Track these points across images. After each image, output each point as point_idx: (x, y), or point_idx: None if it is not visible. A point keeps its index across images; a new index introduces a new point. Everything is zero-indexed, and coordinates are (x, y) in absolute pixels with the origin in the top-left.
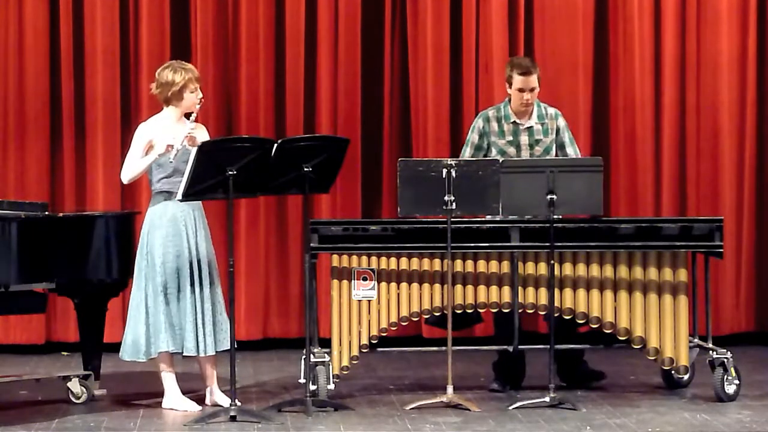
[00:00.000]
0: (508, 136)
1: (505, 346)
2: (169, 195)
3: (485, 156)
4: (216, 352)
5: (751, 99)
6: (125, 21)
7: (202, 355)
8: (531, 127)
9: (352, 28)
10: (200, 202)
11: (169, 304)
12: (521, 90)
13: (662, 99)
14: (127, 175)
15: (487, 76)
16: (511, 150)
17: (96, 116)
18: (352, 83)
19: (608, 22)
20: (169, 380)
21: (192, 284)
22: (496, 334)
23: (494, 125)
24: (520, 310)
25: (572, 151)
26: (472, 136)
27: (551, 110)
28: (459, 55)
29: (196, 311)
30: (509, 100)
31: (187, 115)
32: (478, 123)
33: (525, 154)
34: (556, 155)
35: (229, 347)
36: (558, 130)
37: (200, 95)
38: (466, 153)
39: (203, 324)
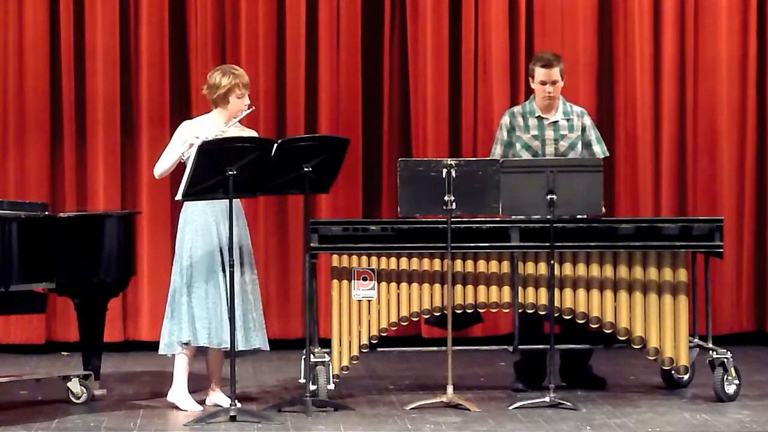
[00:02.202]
0: (533, 130)
1: (505, 346)
2: None
3: (513, 152)
4: (245, 350)
5: (752, 99)
6: (125, 21)
7: (235, 348)
8: (556, 122)
9: (352, 28)
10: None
11: (192, 298)
12: (543, 83)
13: (662, 99)
14: (157, 169)
15: (486, 77)
16: (536, 144)
17: (96, 116)
18: (353, 83)
19: (608, 23)
20: (180, 375)
21: (224, 278)
22: (520, 334)
23: (519, 120)
24: (520, 311)
25: (599, 150)
26: (501, 134)
27: (577, 108)
28: (458, 56)
29: (230, 306)
30: (534, 97)
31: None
32: (505, 119)
33: (550, 149)
34: (582, 153)
35: (258, 346)
36: (584, 128)
37: (247, 102)
38: (496, 151)
39: (235, 318)
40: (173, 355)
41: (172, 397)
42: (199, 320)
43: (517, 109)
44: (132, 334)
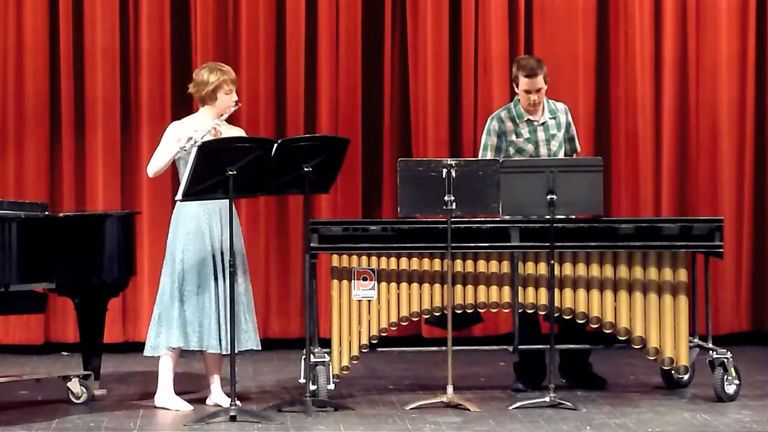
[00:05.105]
0: (525, 134)
1: (505, 346)
2: None
3: (504, 156)
4: (237, 351)
5: (751, 99)
6: (125, 21)
7: (224, 352)
8: (545, 122)
9: (352, 28)
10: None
11: (183, 301)
12: (528, 92)
13: (662, 99)
14: (151, 168)
15: (486, 77)
16: (530, 147)
17: (96, 116)
18: (353, 83)
19: (608, 23)
20: (165, 378)
21: (216, 281)
22: (519, 334)
23: (509, 125)
24: (520, 311)
25: (577, 144)
26: (490, 139)
27: (559, 105)
28: (458, 56)
29: (219, 309)
30: (518, 100)
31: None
32: (493, 125)
33: (543, 150)
34: (565, 149)
35: (249, 348)
36: (568, 125)
37: (235, 98)
38: (487, 157)
39: (225, 322)
40: (158, 357)
41: (159, 401)
42: (189, 324)
43: (503, 113)
44: (132, 335)
